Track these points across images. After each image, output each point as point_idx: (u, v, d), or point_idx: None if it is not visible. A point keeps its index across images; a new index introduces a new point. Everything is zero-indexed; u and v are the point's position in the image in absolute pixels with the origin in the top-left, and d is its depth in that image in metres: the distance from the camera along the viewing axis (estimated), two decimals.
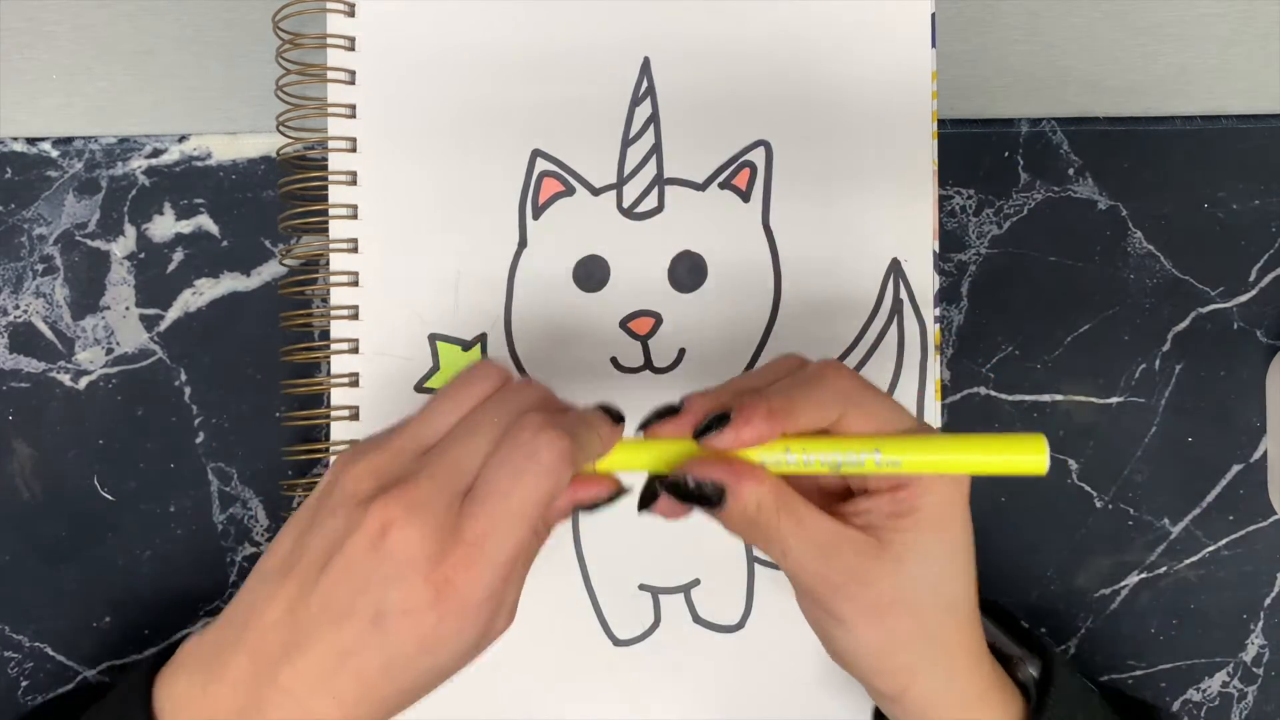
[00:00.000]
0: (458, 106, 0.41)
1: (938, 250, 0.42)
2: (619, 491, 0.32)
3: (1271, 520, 0.44)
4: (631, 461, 0.32)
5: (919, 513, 0.31)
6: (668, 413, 0.31)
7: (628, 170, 0.41)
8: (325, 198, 0.41)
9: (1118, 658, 0.44)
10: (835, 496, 0.33)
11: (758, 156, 0.42)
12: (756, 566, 0.42)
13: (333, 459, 0.41)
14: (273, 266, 0.43)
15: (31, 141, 0.42)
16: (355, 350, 0.41)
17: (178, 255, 0.43)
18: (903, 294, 0.42)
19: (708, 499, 0.30)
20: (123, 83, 0.43)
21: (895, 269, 0.42)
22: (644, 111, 0.41)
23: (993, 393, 0.44)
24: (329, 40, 0.41)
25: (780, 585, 0.42)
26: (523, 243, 0.41)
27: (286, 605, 0.29)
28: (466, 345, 0.41)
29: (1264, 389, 0.44)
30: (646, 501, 0.32)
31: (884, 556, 0.31)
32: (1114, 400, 0.44)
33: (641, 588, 0.42)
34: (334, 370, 0.41)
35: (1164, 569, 0.44)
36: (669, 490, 0.31)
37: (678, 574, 0.42)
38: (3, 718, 0.43)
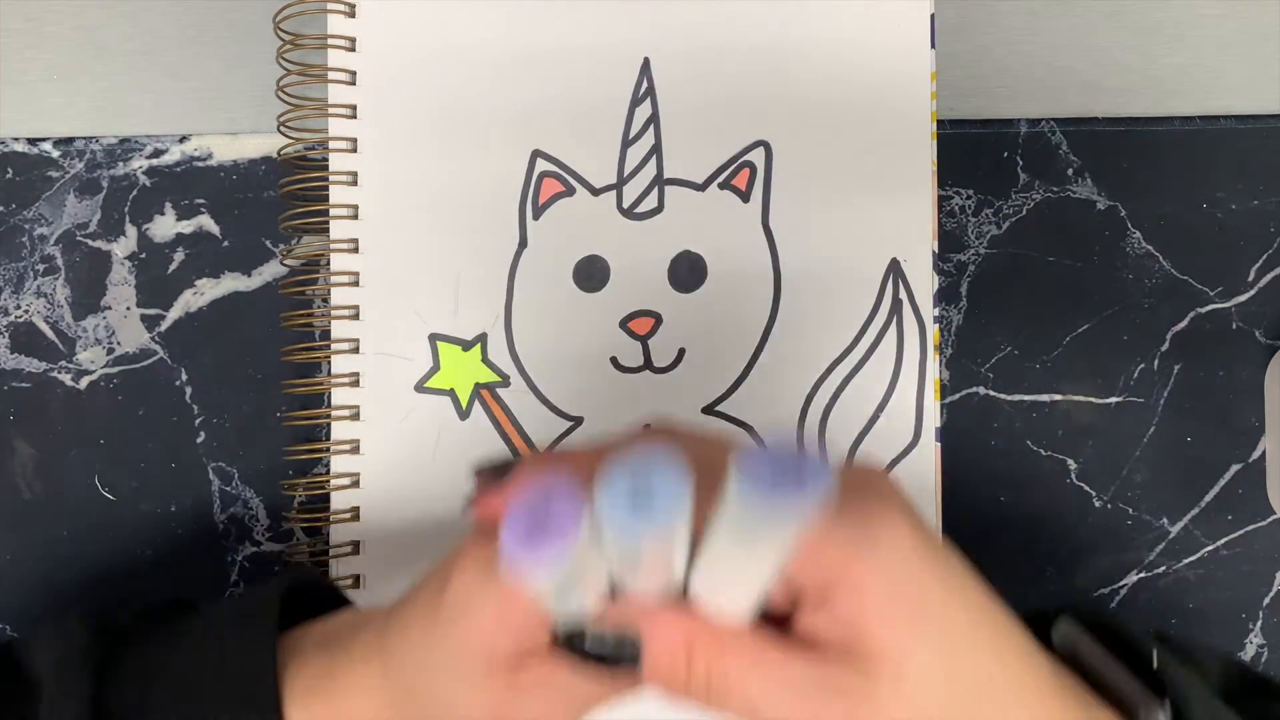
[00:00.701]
0: (458, 107, 0.41)
1: (937, 250, 0.42)
2: None
3: (1270, 520, 0.44)
4: None
5: (879, 611, 0.25)
6: (499, 472, 0.27)
7: (628, 170, 0.42)
8: (326, 198, 0.41)
9: None
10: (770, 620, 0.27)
11: (757, 157, 0.42)
12: None
13: (333, 459, 0.41)
14: (273, 266, 0.43)
15: (32, 142, 0.42)
16: (356, 350, 0.41)
17: (179, 255, 0.43)
18: (902, 294, 0.42)
19: (621, 656, 0.25)
20: (123, 83, 0.43)
21: (894, 269, 0.42)
22: (644, 112, 0.41)
23: (991, 393, 0.44)
24: (330, 41, 0.41)
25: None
26: (523, 243, 0.42)
27: None
28: (467, 345, 0.41)
29: (1263, 389, 0.44)
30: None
31: (878, 681, 0.25)
32: (1113, 400, 0.44)
33: None
34: (334, 370, 0.41)
35: (1163, 568, 0.44)
36: (570, 650, 0.26)
37: None
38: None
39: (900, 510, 0.26)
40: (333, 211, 0.41)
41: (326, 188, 0.41)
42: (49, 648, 0.32)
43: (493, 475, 0.27)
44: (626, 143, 0.41)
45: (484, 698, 0.27)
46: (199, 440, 0.43)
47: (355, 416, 0.41)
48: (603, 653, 0.25)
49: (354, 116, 0.41)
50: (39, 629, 0.34)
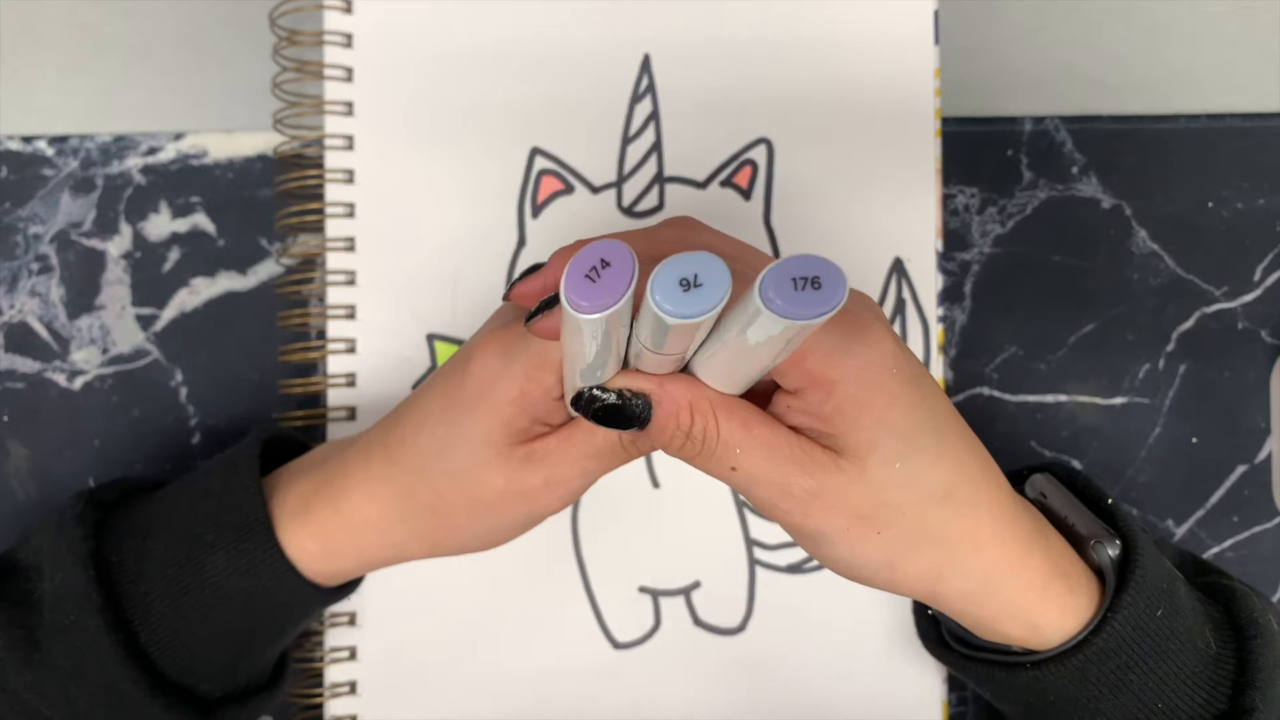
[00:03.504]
0: (456, 104, 0.41)
1: (941, 249, 0.41)
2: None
3: (1276, 521, 0.44)
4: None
5: (849, 409, 0.27)
6: (532, 271, 0.29)
7: (628, 168, 0.41)
8: (322, 196, 0.41)
9: None
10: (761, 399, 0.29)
11: (759, 154, 0.41)
12: (758, 569, 0.41)
13: None
14: (269, 265, 0.42)
15: (27, 140, 0.42)
16: (352, 350, 0.41)
17: (173, 254, 0.42)
18: (905, 293, 0.41)
19: (632, 413, 0.27)
20: (118, 80, 0.42)
21: (898, 268, 0.41)
22: (644, 109, 0.41)
23: (996, 393, 0.44)
24: (326, 37, 0.40)
25: (782, 588, 0.41)
26: (521, 241, 0.41)
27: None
28: None
29: (1269, 389, 0.44)
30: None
31: (845, 465, 0.28)
32: (1118, 401, 0.44)
33: (641, 590, 0.41)
34: (330, 370, 0.41)
35: None
36: (586, 411, 0.28)
37: (678, 576, 0.41)
38: None
39: (883, 327, 0.28)
40: (329, 209, 0.41)
41: (323, 185, 0.41)
42: (44, 523, 0.35)
43: (528, 272, 0.29)
44: (626, 140, 0.41)
45: (501, 471, 0.30)
46: (194, 441, 0.42)
47: (351, 417, 0.41)
48: (610, 410, 0.27)
49: (350, 113, 0.41)
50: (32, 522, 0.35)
